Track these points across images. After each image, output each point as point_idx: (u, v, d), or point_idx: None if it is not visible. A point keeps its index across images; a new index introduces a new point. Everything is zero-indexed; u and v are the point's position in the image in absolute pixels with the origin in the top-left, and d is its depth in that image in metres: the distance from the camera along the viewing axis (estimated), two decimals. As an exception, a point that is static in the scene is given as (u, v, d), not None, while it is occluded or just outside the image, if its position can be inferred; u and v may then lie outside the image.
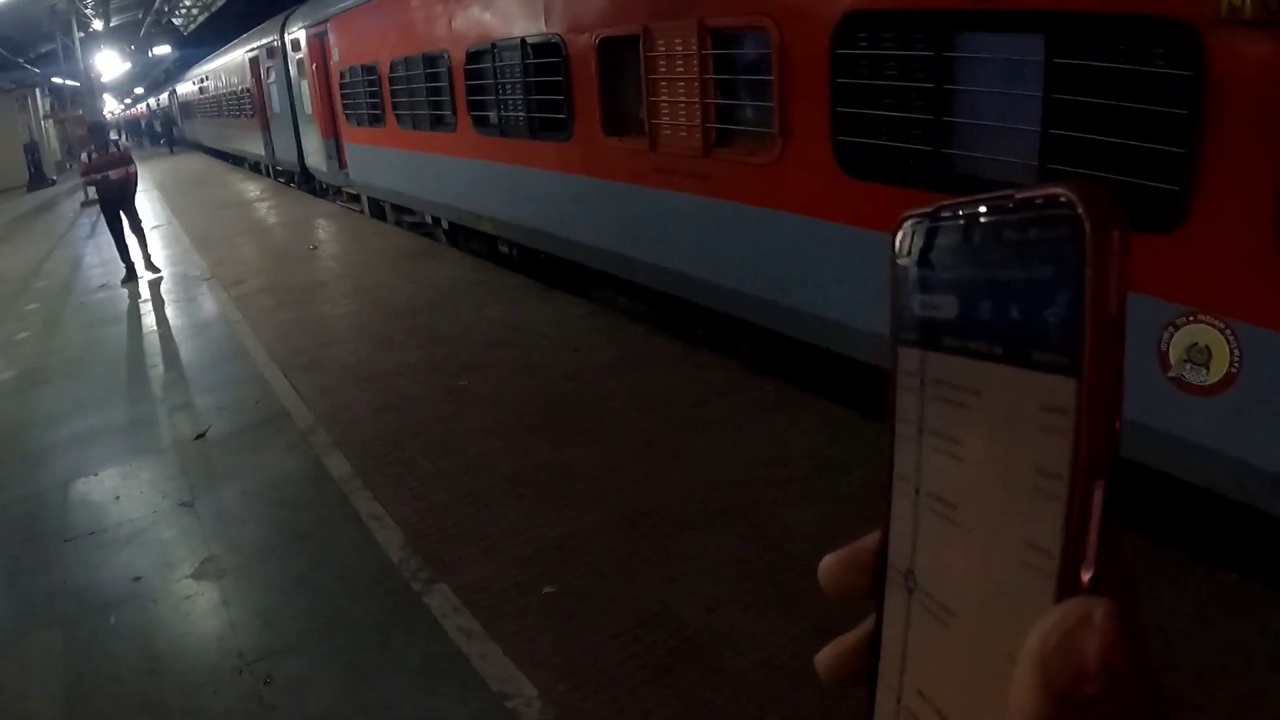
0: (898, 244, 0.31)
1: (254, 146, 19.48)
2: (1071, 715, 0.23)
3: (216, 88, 23.80)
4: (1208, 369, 2.88)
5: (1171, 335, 2.95)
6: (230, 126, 22.78)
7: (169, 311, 8.69)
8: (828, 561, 0.35)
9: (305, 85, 13.67)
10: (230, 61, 20.59)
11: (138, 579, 3.82)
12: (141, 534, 4.21)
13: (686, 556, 3.48)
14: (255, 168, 21.51)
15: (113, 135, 11.50)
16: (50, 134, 32.68)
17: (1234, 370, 2.81)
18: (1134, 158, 2.95)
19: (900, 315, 0.31)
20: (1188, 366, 2.92)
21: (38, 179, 25.77)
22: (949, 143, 3.69)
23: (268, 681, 3.06)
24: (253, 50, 17.24)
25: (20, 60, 24.05)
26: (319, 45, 12.49)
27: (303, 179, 16.24)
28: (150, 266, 10.10)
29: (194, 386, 6.31)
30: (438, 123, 9.06)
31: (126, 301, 9.29)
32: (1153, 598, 2.86)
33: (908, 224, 0.31)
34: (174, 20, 35.04)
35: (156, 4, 27.43)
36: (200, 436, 5.25)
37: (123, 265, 10.03)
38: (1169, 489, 3.16)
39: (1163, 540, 3.16)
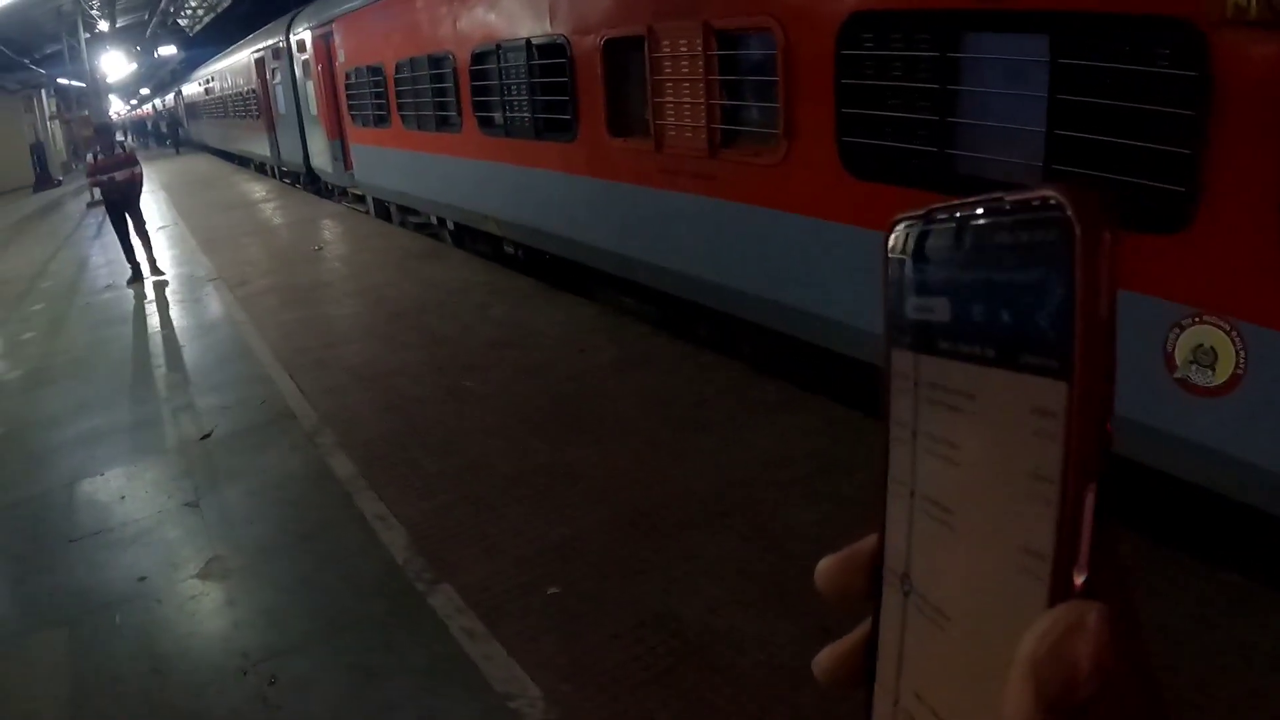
0: (891, 246, 0.31)
1: (259, 147, 19.54)
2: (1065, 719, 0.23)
3: (222, 89, 23.86)
4: (1214, 370, 2.87)
5: (1177, 336, 2.94)
6: (236, 127, 22.84)
7: (174, 312, 8.71)
8: (824, 564, 0.35)
9: (310, 86, 13.69)
10: (236, 62, 20.65)
11: (142, 579, 3.83)
12: (146, 534, 4.22)
13: (688, 557, 3.48)
14: (261, 169, 21.57)
15: (118, 137, 11.50)
16: (56, 135, 32.79)
17: (1240, 372, 2.80)
18: (1140, 159, 2.95)
19: (893, 318, 0.31)
20: (1194, 368, 2.92)
21: (43, 180, 25.85)
22: (954, 143, 3.68)
23: (272, 682, 3.06)
24: (258, 51, 17.28)
25: (26, 61, 24.15)
26: (324, 46, 12.51)
27: (308, 180, 16.28)
28: (155, 270, 10.11)
29: (199, 387, 6.33)
30: (443, 123, 9.07)
31: (132, 302, 9.31)
32: (1154, 598, 2.85)
33: (900, 226, 0.31)
34: (179, 21, 35.16)
35: (162, 5, 27.55)
36: (206, 437, 5.27)
37: (128, 266, 10.06)
38: (1171, 489, 3.16)
39: (1164, 541, 3.16)
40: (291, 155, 16.32)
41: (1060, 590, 0.24)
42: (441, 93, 8.89)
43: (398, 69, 9.87)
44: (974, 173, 3.60)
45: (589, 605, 3.25)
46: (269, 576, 3.78)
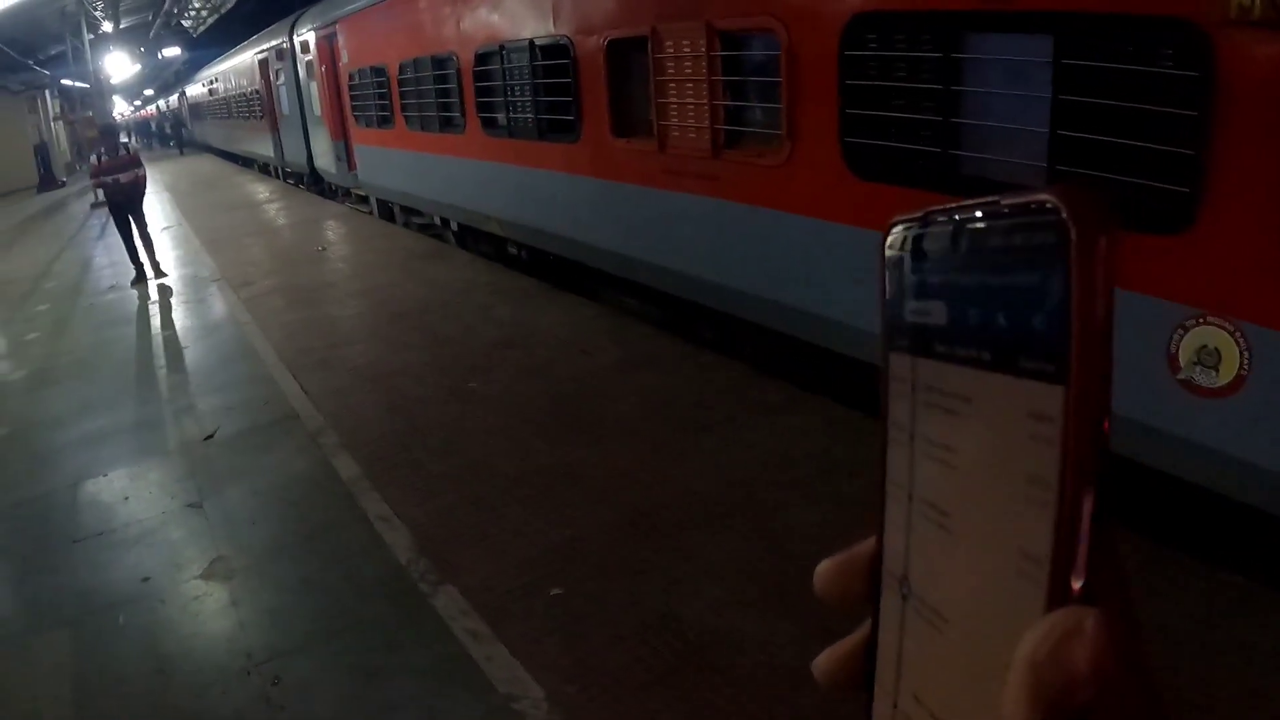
0: (887, 249, 0.31)
1: (263, 148, 19.57)
2: None
3: (226, 89, 23.91)
4: (1217, 371, 2.87)
5: (1181, 337, 2.93)
6: (239, 128, 22.89)
7: (178, 313, 8.72)
8: (824, 567, 0.35)
9: (314, 87, 13.72)
10: (239, 63, 20.69)
11: (146, 579, 3.83)
12: (150, 534, 4.23)
13: (689, 557, 3.48)
14: (264, 169, 21.61)
15: (122, 138, 11.53)
16: (60, 135, 32.86)
17: (1244, 372, 2.79)
18: (1143, 159, 2.94)
19: (891, 320, 0.31)
20: (1197, 369, 2.91)
21: (47, 180, 25.91)
22: (958, 144, 3.68)
23: (276, 682, 3.07)
24: (262, 52, 17.31)
25: (30, 62, 24.22)
26: (328, 47, 12.54)
27: (312, 180, 16.30)
28: (158, 273, 10.13)
29: (203, 387, 6.34)
30: (446, 124, 9.08)
31: (136, 303, 9.33)
32: (1154, 598, 2.85)
33: (897, 229, 0.31)
34: (183, 22, 35.21)
35: (166, 6, 27.61)
36: (209, 438, 5.27)
37: (132, 267, 10.08)
38: (1172, 490, 3.15)
39: (1166, 541, 3.15)
40: (295, 156, 16.34)
41: (1058, 594, 0.24)
42: (445, 93, 8.89)
43: (401, 70, 9.88)
44: (978, 173, 3.59)
45: (592, 606, 3.25)
46: (272, 577, 3.79)
